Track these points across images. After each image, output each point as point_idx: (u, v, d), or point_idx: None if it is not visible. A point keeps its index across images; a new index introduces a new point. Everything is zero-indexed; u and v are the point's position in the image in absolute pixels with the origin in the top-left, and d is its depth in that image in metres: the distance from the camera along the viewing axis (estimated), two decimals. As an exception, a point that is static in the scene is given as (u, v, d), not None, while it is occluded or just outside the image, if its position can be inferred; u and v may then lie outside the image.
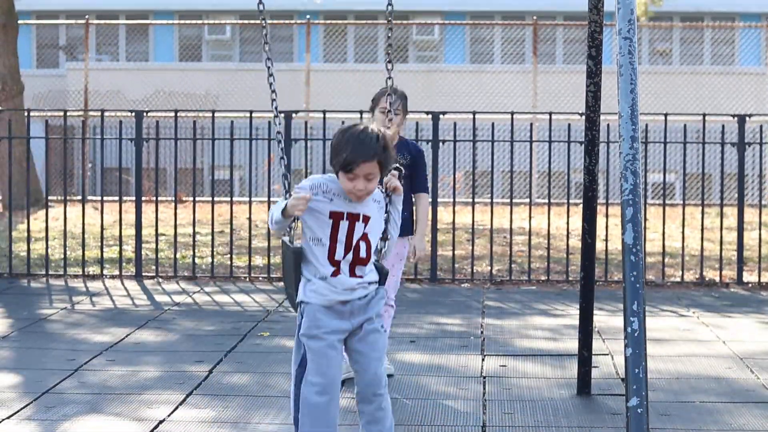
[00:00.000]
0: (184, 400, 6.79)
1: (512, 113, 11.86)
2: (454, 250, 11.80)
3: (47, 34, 29.66)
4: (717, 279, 11.77)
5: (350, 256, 4.98)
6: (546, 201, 14.78)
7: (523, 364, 7.92)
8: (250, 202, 12.00)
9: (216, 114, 12.10)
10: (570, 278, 11.61)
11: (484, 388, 7.17)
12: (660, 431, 6.23)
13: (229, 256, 12.22)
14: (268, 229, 11.39)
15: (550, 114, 11.75)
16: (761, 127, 12.16)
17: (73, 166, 22.47)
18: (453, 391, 7.10)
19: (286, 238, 5.12)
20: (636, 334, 4.89)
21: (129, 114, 12.32)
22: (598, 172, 6.97)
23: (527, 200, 14.83)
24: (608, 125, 11.58)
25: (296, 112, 12.54)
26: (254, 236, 13.39)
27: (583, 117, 6.92)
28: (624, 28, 5.30)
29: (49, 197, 17.36)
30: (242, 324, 9.29)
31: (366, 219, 5.02)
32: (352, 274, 4.98)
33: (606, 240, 11.71)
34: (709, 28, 27.44)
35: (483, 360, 8.01)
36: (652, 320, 9.54)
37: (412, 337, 8.82)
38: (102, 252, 11.96)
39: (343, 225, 4.98)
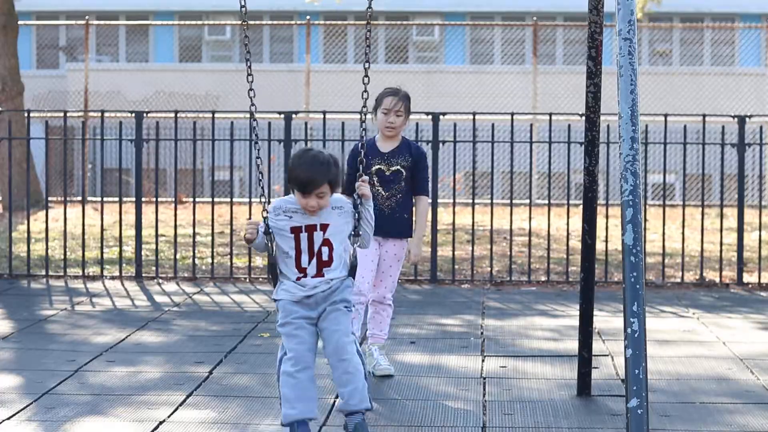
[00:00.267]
0: (184, 400, 6.79)
1: (512, 114, 11.86)
2: (454, 250, 11.80)
3: (47, 35, 29.67)
4: (717, 280, 11.77)
5: (314, 261, 5.79)
6: (546, 202, 14.78)
7: (523, 364, 7.92)
8: (250, 203, 12.00)
9: (216, 115, 12.10)
10: (570, 279, 11.61)
11: (484, 389, 7.17)
12: (660, 432, 6.24)
13: (229, 256, 12.22)
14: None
15: (550, 115, 11.75)
16: (761, 127, 12.16)
17: (73, 167, 22.47)
18: (453, 392, 7.10)
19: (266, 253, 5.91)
20: (636, 335, 4.89)
21: (129, 115, 12.32)
22: (598, 172, 6.97)
23: (527, 201, 14.83)
24: (608, 126, 11.58)
25: (296, 112, 12.55)
26: (254, 237, 13.37)
27: (583, 118, 6.92)
28: (624, 29, 5.31)
29: (49, 198, 17.35)
30: (242, 325, 9.29)
31: (324, 227, 5.79)
32: (318, 275, 5.79)
33: (606, 241, 11.71)
34: (709, 28, 27.45)
35: (483, 361, 8.02)
36: (652, 321, 9.54)
37: (412, 337, 8.82)
38: (102, 253, 11.96)
39: (303, 236, 5.79)
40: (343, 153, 11.94)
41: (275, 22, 25.91)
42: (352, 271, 5.87)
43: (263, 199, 5.97)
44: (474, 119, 11.80)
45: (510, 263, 11.86)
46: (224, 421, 6.37)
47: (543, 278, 11.82)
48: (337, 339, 5.75)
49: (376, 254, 7.46)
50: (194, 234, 12.10)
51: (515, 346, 8.59)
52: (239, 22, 25.23)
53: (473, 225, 11.98)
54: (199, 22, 25.94)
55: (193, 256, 11.94)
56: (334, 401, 6.78)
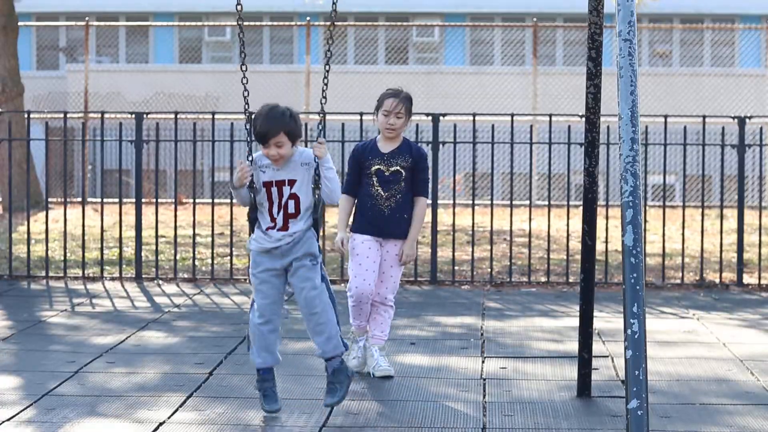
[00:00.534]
0: (184, 402, 6.79)
1: (512, 115, 11.86)
2: (454, 251, 11.80)
3: (47, 36, 29.67)
4: (717, 281, 11.76)
5: (282, 213, 6.47)
6: (546, 203, 14.78)
7: (523, 365, 7.92)
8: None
9: (216, 116, 12.10)
10: (570, 280, 11.61)
11: (484, 390, 7.17)
12: (660, 433, 6.23)
13: (229, 257, 12.22)
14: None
15: (550, 116, 11.75)
16: (761, 128, 12.15)
17: (73, 168, 22.47)
18: (453, 393, 7.10)
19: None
20: (636, 336, 4.89)
21: (129, 116, 12.32)
22: (598, 173, 6.97)
23: (527, 202, 14.82)
24: (608, 127, 11.58)
25: (296, 113, 12.53)
26: (254, 238, 13.37)
27: (583, 119, 6.92)
28: (624, 30, 5.31)
29: (49, 199, 17.36)
30: (242, 326, 9.28)
31: (291, 182, 6.50)
32: (284, 227, 6.46)
33: (606, 242, 11.71)
34: (708, 29, 27.45)
35: (483, 362, 8.01)
36: (652, 322, 9.54)
37: (412, 339, 8.82)
38: (102, 254, 11.96)
39: (273, 190, 6.50)
40: (343, 154, 11.95)
41: (275, 23, 25.92)
42: (315, 224, 6.53)
43: (249, 157, 6.55)
44: (474, 120, 11.80)
45: (510, 264, 11.86)
46: (224, 422, 6.37)
47: (543, 279, 11.81)
48: (305, 294, 6.46)
49: (377, 255, 7.46)
50: (194, 235, 12.09)
51: (515, 347, 8.59)
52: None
53: (473, 226, 11.97)
54: (199, 23, 25.95)
55: (193, 257, 11.94)
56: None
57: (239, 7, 6.56)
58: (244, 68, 6.64)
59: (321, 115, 6.80)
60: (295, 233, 6.48)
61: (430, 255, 11.73)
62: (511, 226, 11.94)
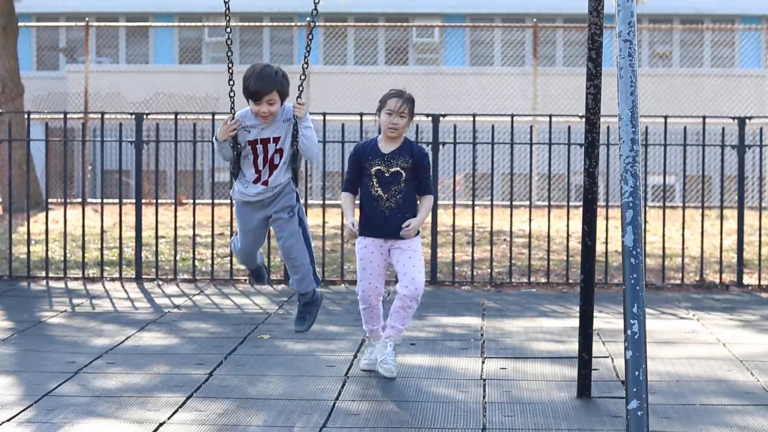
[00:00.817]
0: (184, 402, 6.79)
1: (512, 115, 11.86)
2: (454, 252, 11.80)
3: (47, 37, 29.67)
4: (717, 281, 11.77)
5: (267, 166, 7.04)
6: (546, 203, 14.79)
7: (523, 366, 7.92)
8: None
9: (216, 116, 12.10)
10: (570, 281, 11.61)
11: (484, 391, 7.17)
12: (660, 434, 6.23)
13: (229, 258, 12.22)
14: (269, 232, 11.40)
15: (550, 116, 11.74)
16: (761, 129, 12.15)
17: (73, 169, 22.48)
18: (453, 394, 7.10)
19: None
20: (636, 337, 4.89)
21: (129, 116, 12.32)
22: (598, 174, 6.97)
23: (527, 203, 14.83)
24: (608, 127, 11.58)
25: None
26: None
27: (583, 119, 6.92)
28: (624, 31, 5.31)
29: (49, 199, 17.37)
30: (242, 327, 9.29)
31: (276, 139, 7.05)
32: (267, 180, 7.06)
33: (606, 242, 11.71)
34: (709, 30, 27.45)
35: (483, 362, 8.01)
36: (652, 323, 9.54)
37: (412, 339, 8.82)
38: (102, 254, 11.96)
39: (259, 147, 7.06)
40: (343, 154, 11.95)
41: (275, 24, 25.91)
42: (294, 175, 7.14)
43: (232, 111, 7.02)
44: (474, 121, 11.80)
45: (510, 265, 11.86)
46: (224, 423, 6.37)
47: (543, 280, 11.82)
48: (283, 243, 7.23)
49: (381, 258, 7.47)
50: (194, 235, 12.10)
51: (515, 347, 8.59)
52: (239, 24, 25.30)
53: (473, 226, 11.97)
54: (199, 24, 25.95)
55: (193, 258, 11.94)
56: (334, 403, 6.78)
57: (227, 10, 7.02)
58: (231, 70, 7.03)
59: (303, 78, 7.12)
60: (276, 187, 7.11)
61: (431, 255, 11.73)
62: (511, 227, 11.93)
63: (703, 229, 11.91)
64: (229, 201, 12.94)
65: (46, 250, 11.93)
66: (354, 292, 11.17)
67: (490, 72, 25.77)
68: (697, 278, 11.93)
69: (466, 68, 27.51)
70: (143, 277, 11.82)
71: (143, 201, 12.45)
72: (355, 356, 8.09)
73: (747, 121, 11.71)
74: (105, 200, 13.15)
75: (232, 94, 7.07)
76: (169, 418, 6.43)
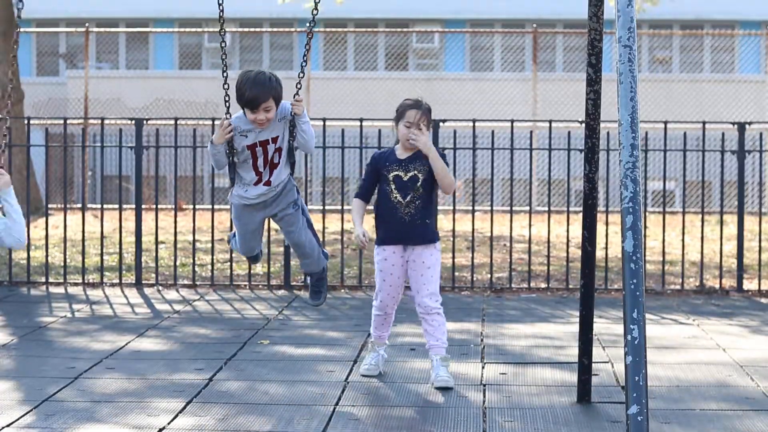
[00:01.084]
0: (184, 408, 6.78)
1: (512, 121, 11.86)
2: (454, 257, 11.80)
3: (47, 42, 29.68)
4: (717, 287, 11.76)
5: (268, 167, 7.02)
6: (546, 209, 14.78)
7: (523, 371, 7.92)
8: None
9: (216, 122, 12.08)
10: (570, 286, 11.61)
11: (484, 396, 7.17)
12: (660, 439, 6.23)
13: (229, 264, 12.22)
14: (269, 237, 11.41)
15: (550, 122, 11.75)
16: (761, 134, 12.17)
17: (73, 174, 22.48)
18: (453, 399, 7.10)
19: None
20: (636, 342, 4.89)
21: (129, 122, 12.33)
22: (598, 179, 6.97)
23: (527, 208, 14.83)
24: (608, 133, 11.58)
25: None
26: (254, 244, 13.36)
27: (583, 125, 6.92)
28: (624, 36, 5.31)
29: (49, 205, 17.35)
30: (242, 332, 9.29)
31: (275, 139, 7.01)
32: (269, 180, 7.05)
33: (606, 248, 11.71)
34: (708, 35, 27.46)
35: (483, 368, 8.01)
36: (652, 328, 9.54)
37: (412, 345, 8.82)
38: (102, 260, 11.96)
39: (258, 150, 7.01)
40: (343, 160, 11.96)
41: (275, 29, 25.92)
42: (292, 169, 7.13)
43: (227, 115, 6.97)
44: (474, 126, 11.80)
45: (510, 270, 11.86)
46: (224, 428, 6.37)
47: (543, 285, 11.81)
48: (292, 236, 7.28)
49: (401, 270, 7.50)
50: (194, 241, 12.09)
51: (515, 352, 8.59)
52: (239, 30, 25.33)
53: (473, 232, 11.98)
54: (199, 30, 25.96)
55: (193, 263, 11.94)
56: (334, 409, 6.78)
57: (221, 14, 6.95)
58: (225, 72, 7.05)
59: (300, 75, 7.14)
60: (278, 185, 7.11)
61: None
62: (511, 232, 11.94)
63: (703, 234, 11.92)
64: (229, 206, 12.94)
65: (46, 256, 11.93)
66: (354, 298, 11.19)
67: (490, 77, 25.79)
68: (697, 283, 11.93)
69: (466, 74, 27.53)
70: (143, 282, 11.82)
71: (143, 206, 12.45)
72: (355, 362, 8.09)
73: (747, 126, 11.72)
74: (105, 205, 13.15)
75: (227, 98, 7.02)
76: (168, 424, 6.43)
